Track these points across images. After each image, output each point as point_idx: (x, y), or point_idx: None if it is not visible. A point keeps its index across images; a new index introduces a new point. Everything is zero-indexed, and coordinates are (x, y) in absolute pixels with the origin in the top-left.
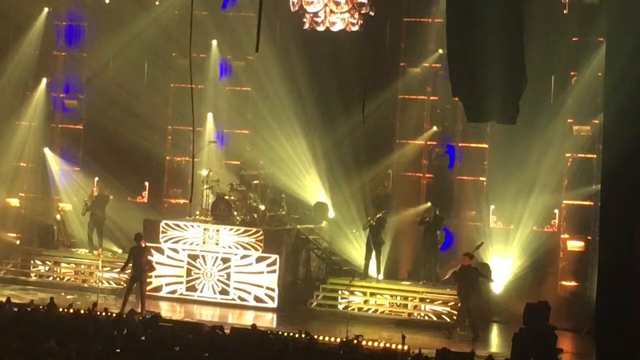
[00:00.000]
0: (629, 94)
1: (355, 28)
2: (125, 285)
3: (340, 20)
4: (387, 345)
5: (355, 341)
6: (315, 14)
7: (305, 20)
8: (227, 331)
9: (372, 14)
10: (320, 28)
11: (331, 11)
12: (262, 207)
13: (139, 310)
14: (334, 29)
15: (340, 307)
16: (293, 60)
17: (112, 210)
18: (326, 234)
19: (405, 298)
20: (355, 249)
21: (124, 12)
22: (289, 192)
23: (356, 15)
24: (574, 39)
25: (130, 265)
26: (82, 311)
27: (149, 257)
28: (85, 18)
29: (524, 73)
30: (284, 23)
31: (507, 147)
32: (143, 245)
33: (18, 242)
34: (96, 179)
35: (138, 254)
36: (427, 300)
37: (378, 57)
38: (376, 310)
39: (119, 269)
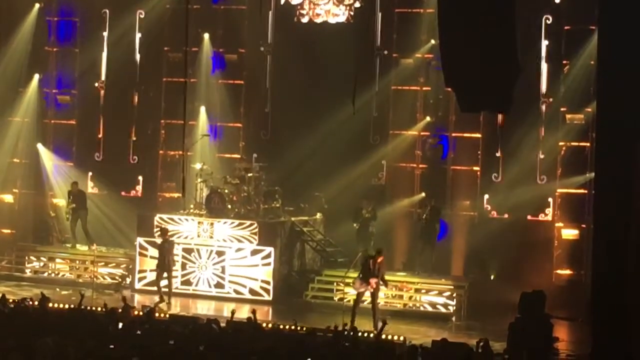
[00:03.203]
0: (621, 82)
1: (352, 20)
2: (118, 280)
3: (343, 12)
4: (383, 336)
5: (351, 333)
6: (317, 6)
7: (304, 12)
8: (222, 324)
9: (358, 5)
10: (320, 20)
11: (335, 3)
12: (256, 200)
13: (167, 302)
14: (338, 20)
15: (336, 299)
16: (285, 52)
17: (106, 205)
18: (320, 226)
19: (401, 289)
20: (350, 240)
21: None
22: (283, 184)
23: (354, 7)
24: (566, 27)
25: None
26: (78, 306)
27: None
28: (77, 13)
29: (516, 62)
30: (275, 16)
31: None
32: (170, 238)
33: (12, 238)
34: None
35: (168, 248)
36: (423, 291)
37: (370, 48)
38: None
39: (113, 264)
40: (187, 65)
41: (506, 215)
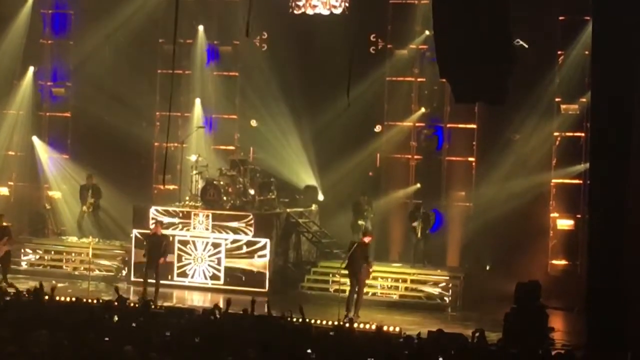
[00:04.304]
0: (615, 72)
1: (347, 12)
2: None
3: (340, 4)
4: (379, 327)
5: (347, 324)
6: None
7: (300, 3)
8: (218, 316)
9: None
10: (317, 11)
11: None
12: (252, 192)
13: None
14: (335, 11)
15: (332, 290)
16: (280, 44)
17: (102, 197)
18: (316, 217)
19: (397, 280)
20: (345, 232)
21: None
22: (278, 176)
23: None
24: (560, 17)
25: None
26: (74, 298)
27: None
28: (71, 6)
29: (511, 53)
30: (270, 7)
31: (495, 127)
32: (159, 233)
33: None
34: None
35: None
36: (419, 282)
37: (365, 40)
38: (367, 293)
39: (109, 256)
40: (175, 56)
41: (501, 206)
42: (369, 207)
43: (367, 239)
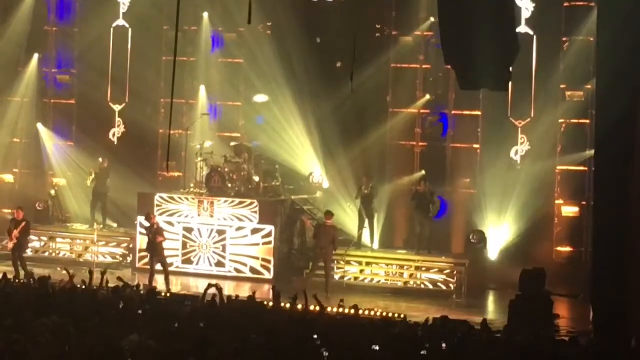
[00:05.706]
0: (621, 58)
1: None
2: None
3: None
4: (384, 314)
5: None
6: None
7: None
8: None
9: None
10: None
11: None
12: (257, 179)
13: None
14: None
15: (337, 277)
16: (284, 31)
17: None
18: (320, 204)
19: (402, 267)
20: (350, 219)
21: None
22: (283, 163)
23: None
24: (565, 4)
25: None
26: (79, 285)
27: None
28: None
29: (516, 40)
30: None
31: (500, 114)
32: (154, 223)
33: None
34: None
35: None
36: (423, 269)
37: (369, 26)
38: (372, 280)
39: (114, 243)
40: (179, 43)
41: (506, 193)
42: (368, 187)
43: (328, 222)
